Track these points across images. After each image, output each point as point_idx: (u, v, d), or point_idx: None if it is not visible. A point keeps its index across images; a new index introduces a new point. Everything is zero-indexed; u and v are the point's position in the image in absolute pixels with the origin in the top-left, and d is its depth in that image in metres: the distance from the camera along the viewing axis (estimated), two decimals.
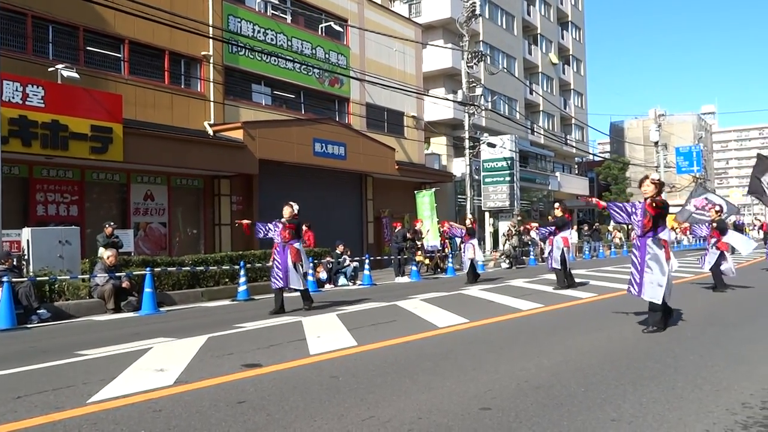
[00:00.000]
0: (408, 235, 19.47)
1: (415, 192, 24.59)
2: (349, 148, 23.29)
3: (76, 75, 15.29)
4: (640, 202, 7.52)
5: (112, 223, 14.18)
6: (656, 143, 51.02)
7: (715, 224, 12.50)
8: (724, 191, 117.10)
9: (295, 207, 10.42)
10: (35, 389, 5.02)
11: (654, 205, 7.15)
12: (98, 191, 17.34)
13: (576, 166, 55.04)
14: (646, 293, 7.27)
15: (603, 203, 8.15)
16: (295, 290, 10.53)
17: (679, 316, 8.28)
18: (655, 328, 7.17)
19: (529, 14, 45.52)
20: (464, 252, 16.42)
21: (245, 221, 11.26)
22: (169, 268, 12.81)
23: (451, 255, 21.28)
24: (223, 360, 6.10)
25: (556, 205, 14.41)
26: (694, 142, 64.62)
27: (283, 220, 10.33)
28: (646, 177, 7.51)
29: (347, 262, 17.20)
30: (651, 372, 5.22)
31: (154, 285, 11.34)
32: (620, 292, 11.77)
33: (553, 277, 13.82)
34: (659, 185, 7.32)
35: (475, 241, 16.39)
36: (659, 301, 7.21)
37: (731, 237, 12.41)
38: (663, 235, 7.31)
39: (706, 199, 16.58)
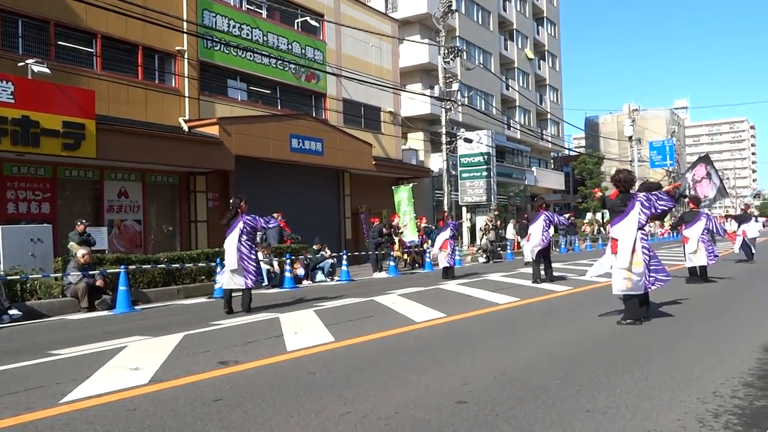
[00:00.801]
0: (384, 230, 19.43)
1: (393, 187, 24.62)
2: (326, 143, 23.21)
3: (47, 70, 15.03)
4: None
5: (84, 221, 13.98)
6: (630, 138, 51.72)
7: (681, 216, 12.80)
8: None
9: (231, 201, 10.17)
10: (6, 390, 4.93)
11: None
12: (71, 188, 17.07)
13: (552, 161, 55.52)
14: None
15: None
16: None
17: (653, 307, 8.40)
18: (630, 320, 7.23)
19: (504, 10, 45.74)
20: (454, 247, 16.17)
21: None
22: (144, 266, 12.66)
23: (427, 250, 21.34)
24: (199, 358, 6.05)
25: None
26: (667, 136, 65.58)
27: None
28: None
29: (325, 258, 17.16)
30: (624, 363, 5.29)
31: (129, 283, 11.19)
32: (595, 285, 11.92)
33: (528, 270, 13.96)
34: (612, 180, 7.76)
35: (439, 237, 15.97)
36: (613, 292, 7.46)
37: (690, 231, 12.53)
38: (612, 230, 7.59)
39: (708, 171, 16.02)
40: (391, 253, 19.35)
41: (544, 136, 50.66)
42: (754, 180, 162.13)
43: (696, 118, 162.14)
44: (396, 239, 20.48)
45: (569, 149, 60.46)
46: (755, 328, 6.94)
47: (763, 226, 44.93)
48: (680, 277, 12.73)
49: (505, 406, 4.09)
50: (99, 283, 11.24)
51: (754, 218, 18.97)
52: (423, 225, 23.21)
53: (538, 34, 51.84)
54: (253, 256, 9.92)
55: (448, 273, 15.48)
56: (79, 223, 13.71)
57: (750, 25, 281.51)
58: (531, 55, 49.03)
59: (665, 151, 55.02)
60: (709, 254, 12.34)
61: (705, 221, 12.51)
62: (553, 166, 54.65)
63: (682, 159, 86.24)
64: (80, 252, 11.66)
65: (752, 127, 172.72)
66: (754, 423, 3.65)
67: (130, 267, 11.76)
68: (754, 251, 17.90)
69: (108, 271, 11.60)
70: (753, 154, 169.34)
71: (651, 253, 7.43)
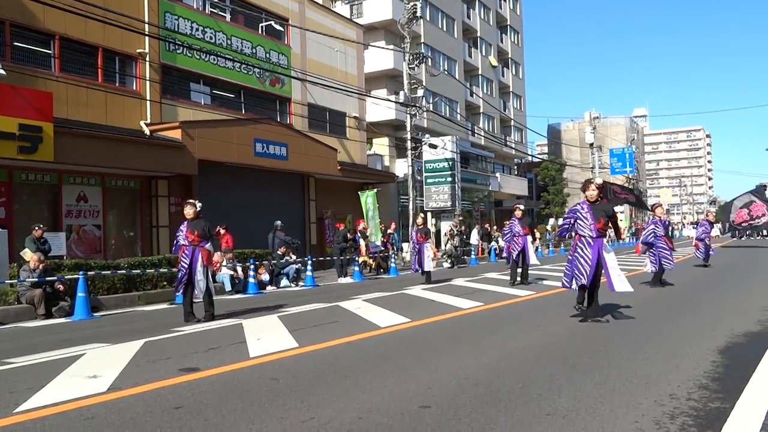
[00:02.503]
0: (348, 235, 19.37)
1: (359, 192, 24.68)
2: (291, 148, 23.10)
3: (2, 72, 14.60)
4: (581, 206, 7.86)
5: (40, 226, 13.64)
6: (591, 145, 52.67)
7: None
8: (655, 191, 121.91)
9: (198, 205, 9.57)
10: None
11: (613, 212, 7.96)
12: (28, 193, 16.64)
13: (515, 167, 56.20)
14: (618, 286, 7.82)
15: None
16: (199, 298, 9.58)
17: (613, 311, 8.56)
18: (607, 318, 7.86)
19: (469, 17, 46.21)
20: (423, 253, 15.42)
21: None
22: (103, 272, 12.41)
23: (393, 255, 21.39)
24: (160, 365, 5.95)
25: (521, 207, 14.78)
26: (626, 143, 66.98)
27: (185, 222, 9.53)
28: (590, 182, 7.77)
29: (290, 264, 17.05)
30: (585, 366, 5.37)
31: (88, 289, 10.95)
32: (557, 290, 12.09)
33: (492, 275, 14.13)
34: (602, 189, 7.82)
35: (429, 243, 15.95)
36: (632, 289, 8.06)
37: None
38: None
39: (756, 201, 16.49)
40: (356, 258, 19.33)
41: (508, 143, 51.26)
42: (710, 187, 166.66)
43: (655, 126, 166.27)
44: (363, 243, 20.47)
45: (532, 156, 61.34)
46: (710, 331, 7.13)
47: (722, 232, 46.17)
48: (640, 282, 12.99)
49: (467, 410, 4.12)
50: (59, 287, 10.99)
51: (706, 223, 19.52)
52: (390, 231, 23.26)
53: (501, 41, 52.49)
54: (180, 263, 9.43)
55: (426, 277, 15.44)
56: (36, 228, 13.38)
57: (705, 39, 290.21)
58: (494, 63, 49.61)
59: (625, 158, 56.30)
60: (652, 263, 12.69)
61: (650, 227, 12.95)
62: (516, 173, 55.31)
63: (641, 166, 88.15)
64: (32, 257, 11.36)
65: (708, 136, 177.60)
66: (708, 424, 3.75)
67: (89, 273, 11.52)
68: (697, 255, 18.60)
69: (66, 277, 11.34)
70: (709, 162, 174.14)
71: (569, 258, 8.06)
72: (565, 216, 8.14)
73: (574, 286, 7.96)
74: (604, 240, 7.86)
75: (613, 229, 8.20)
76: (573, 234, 8.01)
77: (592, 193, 7.75)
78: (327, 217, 26.58)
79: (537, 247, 32.02)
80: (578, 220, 7.79)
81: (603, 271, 7.89)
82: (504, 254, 14.68)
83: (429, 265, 15.58)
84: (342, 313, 9.65)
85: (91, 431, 3.92)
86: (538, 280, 14.46)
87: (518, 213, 14.03)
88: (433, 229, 34.12)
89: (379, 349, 6.54)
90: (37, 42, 16.83)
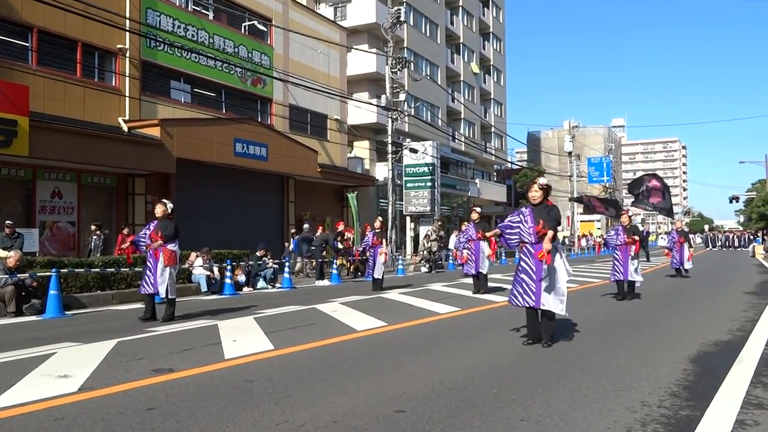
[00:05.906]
0: (339, 238, 19.21)
1: (347, 194, 24.77)
2: (271, 149, 23.00)
3: None
4: (526, 207, 6.94)
5: (10, 222, 13.46)
6: (570, 153, 53.19)
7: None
8: (631, 200, 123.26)
9: (169, 205, 9.57)
10: None
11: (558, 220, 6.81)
12: (0, 187, 16.34)
13: (495, 174, 56.53)
14: (549, 304, 6.66)
15: (494, 239, 7.09)
16: (162, 298, 9.42)
17: (587, 319, 8.64)
18: (551, 342, 6.76)
19: (452, 24, 46.43)
20: (377, 259, 14.68)
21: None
22: (77, 270, 12.22)
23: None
24: (133, 365, 5.87)
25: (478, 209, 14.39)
26: (604, 153, 67.71)
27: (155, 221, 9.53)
28: (534, 182, 7.21)
29: (267, 265, 16.94)
30: (559, 373, 5.41)
31: (60, 287, 10.76)
32: None
33: (469, 281, 14.17)
34: (547, 190, 6.90)
35: (383, 247, 15.20)
36: (564, 312, 6.77)
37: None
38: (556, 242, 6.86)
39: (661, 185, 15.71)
40: (334, 261, 19.29)
41: (488, 149, 51.54)
42: (685, 198, 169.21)
43: (632, 136, 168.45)
44: (340, 247, 20.40)
45: (512, 162, 61.68)
46: (681, 340, 7.22)
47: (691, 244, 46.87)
48: (611, 293, 13.11)
49: (442, 415, 4.13)
50: (33, 283, 10.79)
51: (674, 233, 19.55)
52: (369, 233, 23.25)
53: (484, 48, 52.79)
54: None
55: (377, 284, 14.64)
56: (6, 226, 13.19)
57: (683, 52, 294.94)
58: (476, 70, 49.88)
59: (603, 167, 56.95)
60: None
61: (611, 234, 12.60)
62: (495, 179, 55.63)
63: (618, 176, 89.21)
64: (11, 254, 11.15)
65: (684, 148, 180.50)
66: None
67: (62, 270, 11.33)
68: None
69: (39, 274, 11.14)
70: (684, 173, 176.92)
71: (516, 270, 7.01)
72: (512, 215, 7.04)
73: (520, 304, 6.87)
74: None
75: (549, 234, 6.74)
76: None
77: (535, 194, 6.78)
78: (306, 219, 26.49)
79: (499, 254, 32.05)
80: (521, 224, 6.86)
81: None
82: (459, 265, 13.51)
83: (379, 272, 14.64)
84: (319, 316, 9.62)
85: None
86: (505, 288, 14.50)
87: (475, 216, 13.63)
88: (411, 234, 34.36)
89: (356, 352, 6.52)
90: (14, 34, 16.58)
